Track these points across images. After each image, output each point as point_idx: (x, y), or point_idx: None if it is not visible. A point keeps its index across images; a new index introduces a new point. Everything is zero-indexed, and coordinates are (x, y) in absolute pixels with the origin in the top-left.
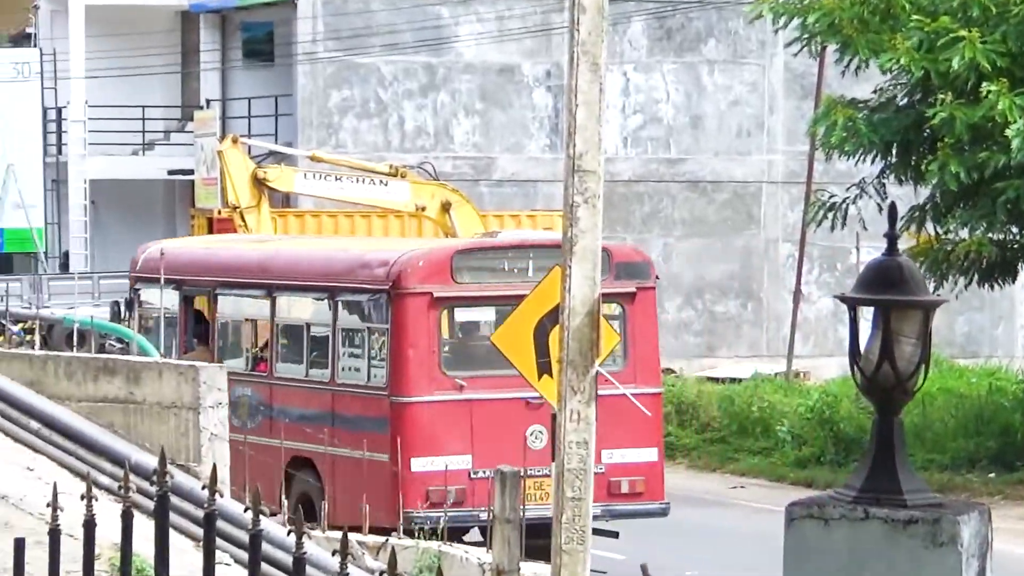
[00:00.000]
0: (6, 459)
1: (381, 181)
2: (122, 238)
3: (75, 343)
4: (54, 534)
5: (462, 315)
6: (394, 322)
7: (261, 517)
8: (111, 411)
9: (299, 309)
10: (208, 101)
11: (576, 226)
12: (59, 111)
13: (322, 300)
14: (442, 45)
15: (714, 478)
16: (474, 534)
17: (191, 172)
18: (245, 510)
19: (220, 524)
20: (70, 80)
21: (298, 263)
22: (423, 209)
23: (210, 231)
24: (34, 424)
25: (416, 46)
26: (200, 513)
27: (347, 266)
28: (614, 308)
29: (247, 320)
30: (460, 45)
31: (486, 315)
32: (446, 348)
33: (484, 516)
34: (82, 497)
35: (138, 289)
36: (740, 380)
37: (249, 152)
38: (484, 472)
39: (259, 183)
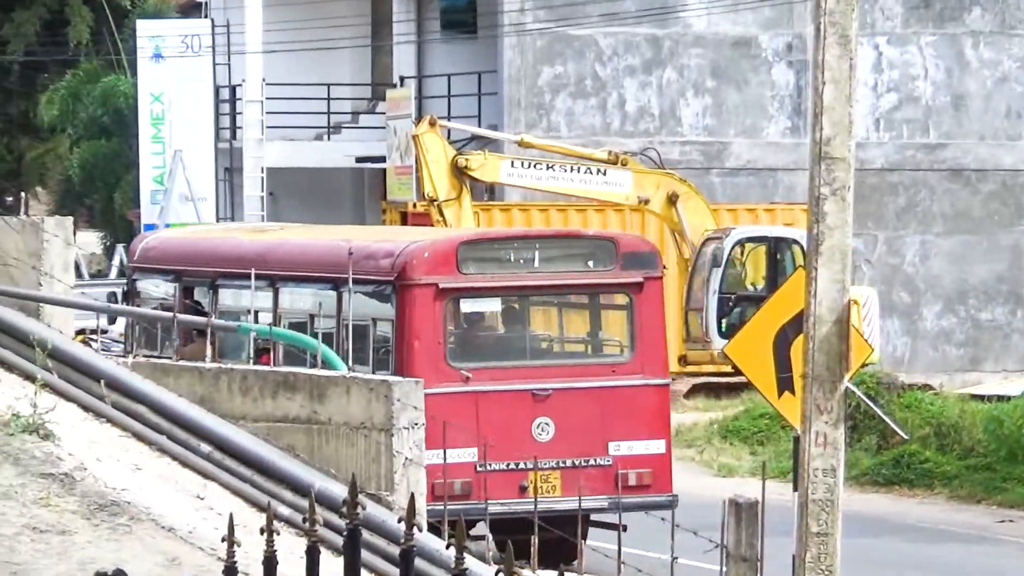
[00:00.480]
0: (174, 486)
1: (599, 170)
2: None
3: (251, 354)
4: (230, 572)
5: (468, 306)
6: (399, 314)
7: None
8: (292, 432)
9: (303, 301)
10: (402, 79)
11: (823, 222)
12: (233, 90)
13: (327, 291)
14: (668, 15)
15: (978, 510)
16: (480, 528)
17: (382, 160)
18: (447, 546)
19: (419, 563)
20: (245, 56)
21: (302, 254)
22: (646, 202)
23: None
24: (205, 447)
25: (639, 16)
26: (395, 550)
27: (352, 257)
28: (621, 298)
29: (250, 312)
30: (689, 15)
31: (492, 306)
32: (452, 340)
33: (493, 509)
34: (261, 531)
35: (136, 279)
36: (1009, 398)
37: (448, 137)
38: (491, 465)
39: (460, 172)
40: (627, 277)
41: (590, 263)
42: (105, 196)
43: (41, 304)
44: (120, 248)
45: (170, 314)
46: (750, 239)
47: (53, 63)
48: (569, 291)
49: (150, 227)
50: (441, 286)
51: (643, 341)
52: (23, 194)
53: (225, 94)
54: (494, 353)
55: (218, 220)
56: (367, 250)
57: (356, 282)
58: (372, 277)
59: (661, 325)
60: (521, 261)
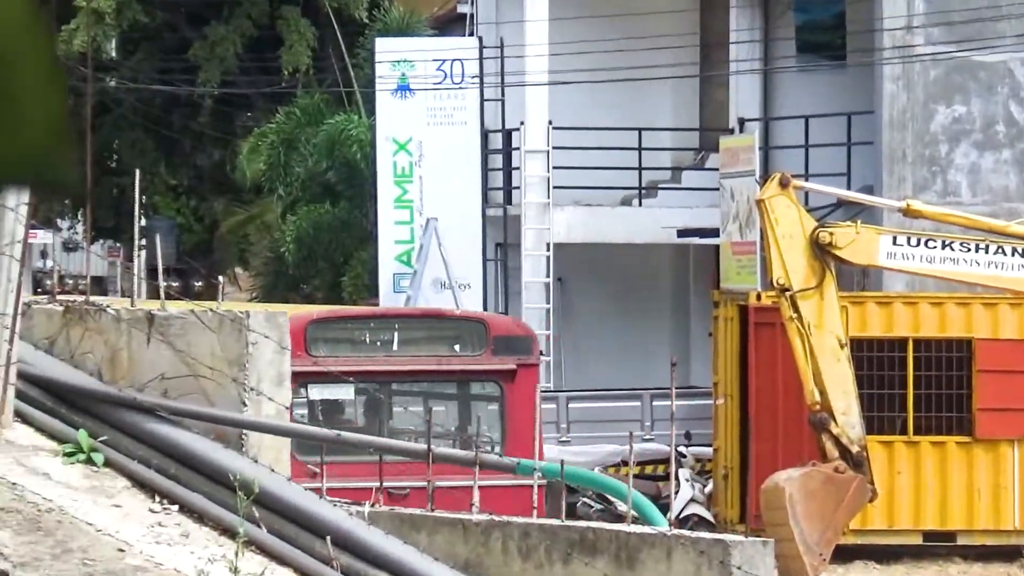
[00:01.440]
0: None
1: (1015, 250)
2: (605, 335)
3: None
4: None
5: (317, 392)
6: None
7: None
8: None
9: None
10: (742, 122)
11: None
12: (508, 137)
13: None
14: None
15: None
16: None
17: (713, 233)
18: None
19: None
20: (525, 89)
21: None
22: None
23: (743, 325)
24: None
25: None
26: None
27: None
28: (491, 388)
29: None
30: None
31: (345, 393)
32: None
33: None
34: None
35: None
36: None
37: (806, 202)
38: None
39: (822, 251)
40: (498, 364)
41: (457, 347)
42: (330, 281)
43: (245, 431)
44: None
45: (420, 449)
46: None
47: (259, 98)
48: (432, 377)
49: None
50: None
51: (514, 437)
52: (220, 278)
53: (496, 141)
54: (347, 447)
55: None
56: None
57: None
58: None
59: (533, 418)
60: (379, 343)
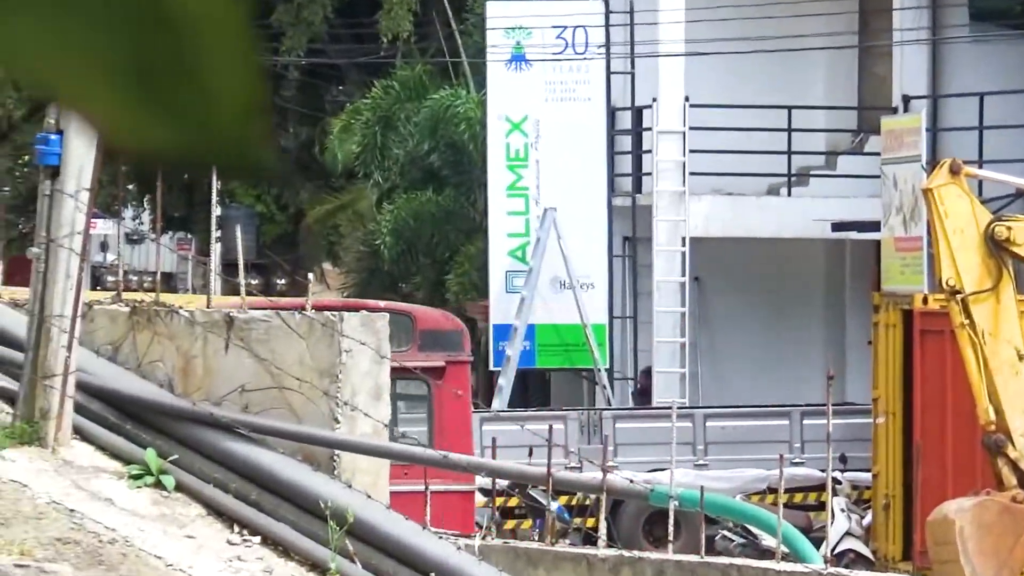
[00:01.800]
0: None
1: None
2: (748, 343)
3: (673, 529)
4: None
5: None
6: None
7: None
8: None
9: None
10: (906, 99)
11: None
12: (637, 114)
13: None
14: None
15: None
16: None
17: (874, 226)
18: None
19: None
20: (658, 60)
21: None
22: None
23: (907, 332)
24: None
25: None
26: None
27: None
28: (418, 387)
29: None
30: None
31: None
32: None
33: None
34: None
35: None
36: None
37: (979, 191)
38: None
39: (998, 248)
40: (424, 360)
41: None
42: (432, 279)
43: (337, 452)
44: None
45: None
46: None
47: (352, 70)
48: None
49: (504, 329)
50: None
51: (444, 437)
52: (309, 275)
53: (625, 121)
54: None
55: (612, 321)
56: None
57: None
58: None
59: (467, 418)
60: None
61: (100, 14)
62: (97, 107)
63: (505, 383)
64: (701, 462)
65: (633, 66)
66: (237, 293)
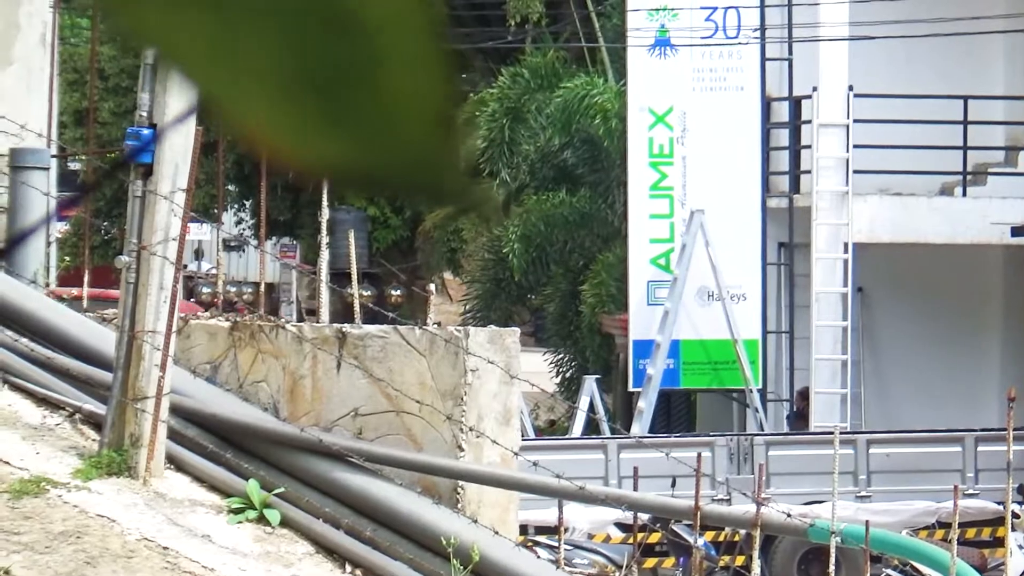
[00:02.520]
0: None
1: None
2: (917, 361)
3: (832, 572)
4: None
5: None
6: None
7: None
8: None
9: None
10: None
11: None
12: (795, 105)
13: None
14: None
15: None
16: None
17: None
18: None
19: None
20: (819, 46)
21: None
22: None
23: None
24: None
25: None
26: None
27: None
28: None
29: None
30: None
31: None
32: None
33: None
34: None
35: None
36: None
37: None
38: None
39: None
40: None
41: None
42: (566, 290)
43: (462, 483)
44: (590, 382)
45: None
46: None
47: (477, 56)
48: None
49: (646, 345)
50: None
51: None
52: (431, 286)
53: (781, 113)
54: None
55: (764, 332)
56: None
57: None
58: None
59: None
60: None
61: (269, 11)
62: (262, 117)
63: (646, 405)
64: (864, 493)
65: (791, 52)
66: (348, 306)
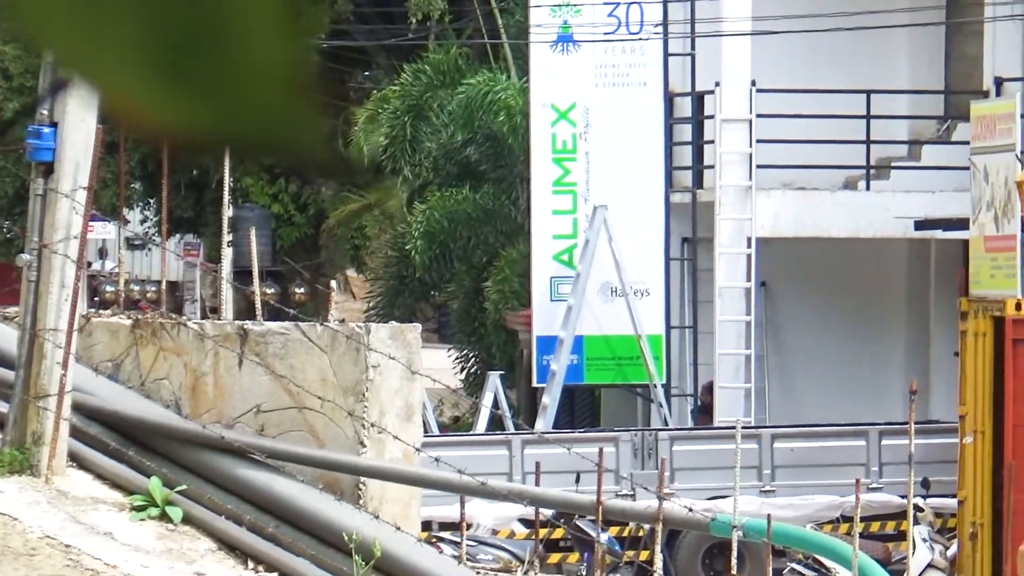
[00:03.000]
0: None
1: None
2: (821, 355)
3: (734, 566)
4: None
5: None
6: None
7: None
8: None
9: None
10: (1000, 82)
11: None
12: (698, 100)
13: None
14: None
15: None
16: None
17: (961, 224)
18: None
19: None
20: (721, 40)
21: None
22: None
23: (998, 342)
24: None
25: None
26: None
27: None
28: None
29: None
30: None
31: None
32: None
33: None
34: None
35: None
36: None
37: None
38: None
39: None
40: None
41: None
42: (469, 287)
43: (363, 479)
44: (494, 378)
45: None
46: None
47: (379, 53)
48: None
49: (549, 341)
50: None
51: None
52: (332, 283)
53: (684, 108)
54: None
55: (668, 327)
56: None
57: None
58: None
59: None
60: None
61: None
62: (119, 81)
63: (550, 401)
64: (768, 488)
65: (693, 47)
66: (251, 304)
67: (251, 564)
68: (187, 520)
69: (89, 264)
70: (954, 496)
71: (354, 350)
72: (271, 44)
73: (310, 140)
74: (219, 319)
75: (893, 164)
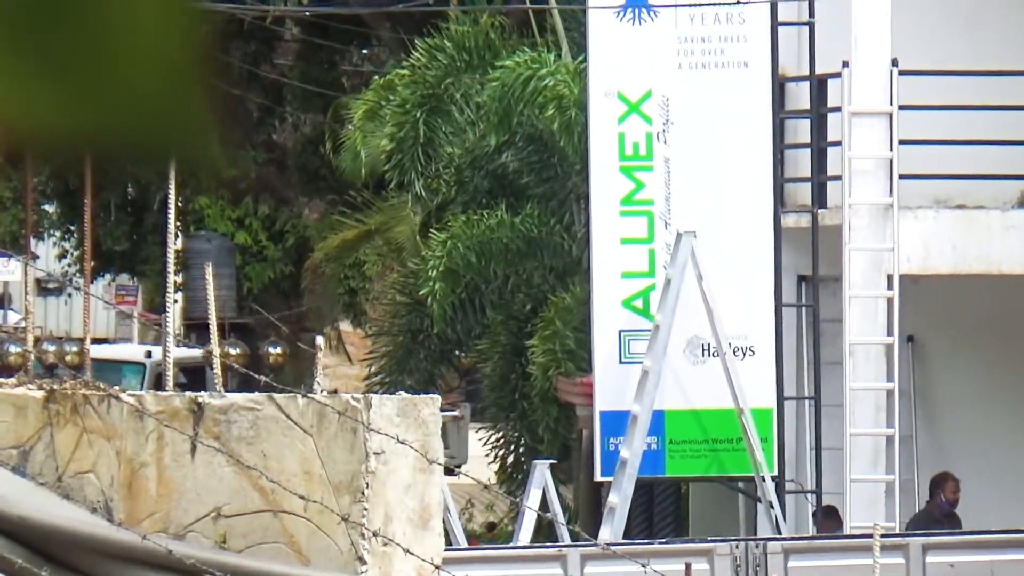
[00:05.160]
0: None
1: None
2: (988, 437)
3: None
4: None
5: None
6: None
7: None
8: None
9: None
10: None
11: None
12: (819, 86)
13: None
14: None
15: None
16: None
17: None
18: None
19: None
20: (851, 4)
21: None
22: None
23: None
24: None
25: None
26: None
27: None
28: None
29: None
30: None
31: None
32: None
33: None
34: None
35: None
36: None
37: None
38: None
39: None
40: None
41: None
42: (505, 344)
43: None
44: (542, 469)
45: None
46: None
47: (381, 23)
48: None
49: (618, 418)
50: None
51: None
52: (318, 339)
53: (799, 98)
54: None
55: (780, 398)
56: None
57: None
58: None
59: None
60: None
61: None
62: None
63: (619, 500)
64: None
65: (812, 13)
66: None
67: None
68: None
69: None
70: None
71: (350, 432)
72: (158, 36)
73: (201, 140)
74: (164, 389)
75: None
